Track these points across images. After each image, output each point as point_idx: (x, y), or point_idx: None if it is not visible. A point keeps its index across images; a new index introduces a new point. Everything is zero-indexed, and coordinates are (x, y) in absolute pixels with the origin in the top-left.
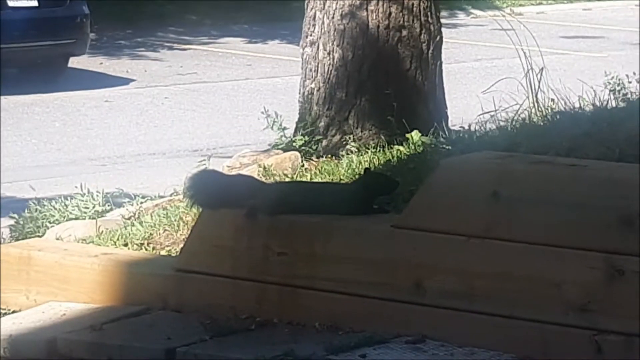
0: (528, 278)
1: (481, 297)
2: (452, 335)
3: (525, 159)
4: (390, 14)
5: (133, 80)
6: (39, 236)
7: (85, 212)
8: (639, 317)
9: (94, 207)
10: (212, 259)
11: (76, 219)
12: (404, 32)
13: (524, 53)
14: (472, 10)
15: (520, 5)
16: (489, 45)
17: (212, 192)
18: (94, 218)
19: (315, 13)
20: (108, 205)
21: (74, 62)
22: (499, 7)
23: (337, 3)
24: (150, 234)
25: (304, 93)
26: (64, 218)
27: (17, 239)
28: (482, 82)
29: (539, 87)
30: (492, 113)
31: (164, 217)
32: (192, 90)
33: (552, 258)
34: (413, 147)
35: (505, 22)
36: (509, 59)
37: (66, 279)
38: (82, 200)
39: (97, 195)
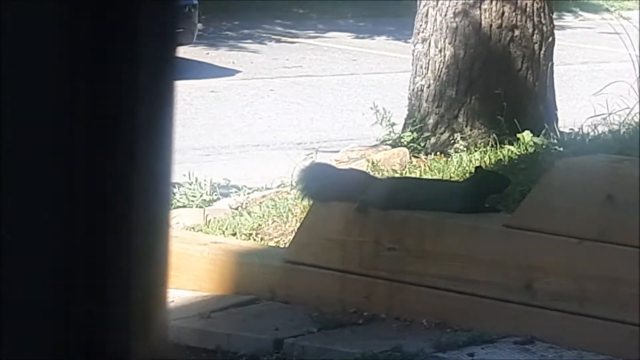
0: None
1: (592, 300)
2: (562, 337)
3: None
4: (503, 13)
5: (239, 71)
6: None
7: (192, 201)
8: None
9: (201, 195)
10: (321, 252)
11: (184, 207)
12: (517, 32)
13: (636, 57)
14: (581, 13)
15: (629, 9)
16: (596, 48)
17: (324, 184)
18: (201, 207)
19: (427, 10)
20: (215, 195)
21: (180, 52)
22: (608, 10)
23: (450, 1)
24: (259, 225)
25: (413, 90)
26: (172, 206)
27: None
28: (588, 85)
29: None
30: (603, 116)
31: (272, 208)
32: (297, 83)
33: None
34: (524, 147)
35: (614, 26)
36: (616, 62)
37: (176, 266)
38: (190, 189)
39: (205, 184)
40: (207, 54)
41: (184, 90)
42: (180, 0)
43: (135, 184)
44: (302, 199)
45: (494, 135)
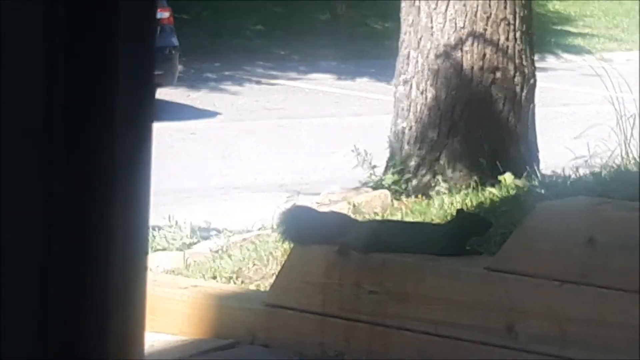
0: (622, 325)
1: (574, 343)
2: None
3: (623, 205)
4: (484, 55)
5: (219, 113)
6: None
7: (172, 244)
8: None
9: (181, 238)
10: (302, 295)
11: (163, 250)
12: (498, 74)
13: (616, 99)
14: (562, 55)
15: (610, 51)
16: (577, 90)
17: (304, 227)
18: (181, 250)
19: (409, 52)
20: (195, 238)
21: (161, 94)
22: (590, 52)
23: (431, 42)
24: (239, 268)
25: (395, 132)
26: (152, 249)
27: None
28: (570, 128)
29: (631, 134)
30: (584, 158)
31: (253, 251)
32: (278, 125)
33: None
34: (505, 190)
35: (595, 68)
36: (597, 104)
37: (155, 309)
38: (170, 232)
39: (185, 227)
40: (188, 95)
41: (165, 132)
42: (158, 40)
43: (111, 228)
44: (283, 242)
45: (476, 177)
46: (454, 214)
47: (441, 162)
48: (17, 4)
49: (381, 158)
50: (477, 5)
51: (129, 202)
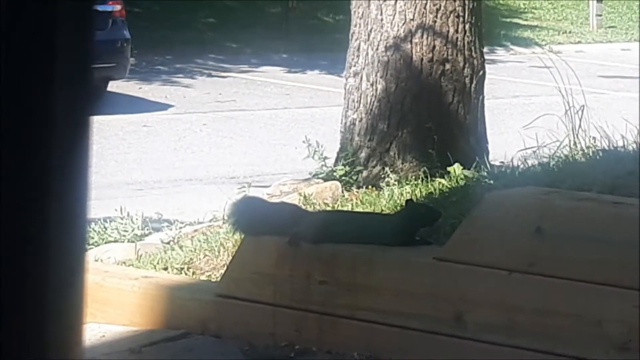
0: (569, 314)
1: (522, 332)
2: None
3: (570, 195)
4: (434, 47)
5: (171, 106)
6: None
7: (124, 235)
8: None
9: (133, 230)
10: (253, 286)
11: (115, 241)
12: (448, 66)
13: (565, 91)
14: (512, 47)
15: (559, 43)
16: (526, 82)
17: (255, 218)
18: (133, 241)
19: (359, 44)
20: (147, 229)
21: (113, 86)
22: (539, 44)
23: (381, 35)
24: (191, 259)
25: (345, 123)
26: (103, 240)
27: None
28: (519, 119)
29: (579, 125)
30: (533, 149)
31: (204, 242)
32: (230, 117)
33: (594, 295)
34: (455, 181)
35: (544, 60)
36: (546, 96)
37: (106, 301)
38: (122, 223)
39: (136, 219)
40: (140, 88)
41: (117, 125)
42: (97, 35)
43: (48, 224)
44: (234, 233)
45: (425, 168)
46: (404, 204)
47: (391, 153)
48: None
49: (332, 150)
50: None
51: (67, 199)
